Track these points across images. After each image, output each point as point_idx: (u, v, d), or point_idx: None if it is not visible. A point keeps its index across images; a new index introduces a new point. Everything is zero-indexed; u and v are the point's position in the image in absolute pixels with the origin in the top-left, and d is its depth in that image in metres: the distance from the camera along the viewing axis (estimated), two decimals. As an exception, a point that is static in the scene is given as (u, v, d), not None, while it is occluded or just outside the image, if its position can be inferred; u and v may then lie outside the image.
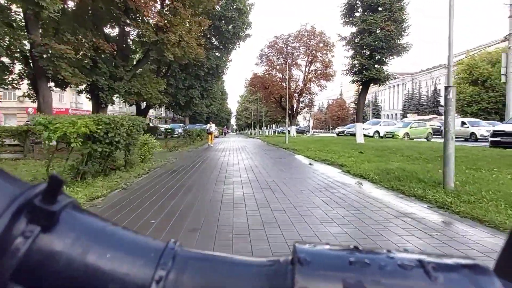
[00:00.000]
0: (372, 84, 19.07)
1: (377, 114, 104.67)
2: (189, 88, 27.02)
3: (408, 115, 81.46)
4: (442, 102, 69.48)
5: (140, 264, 0.22)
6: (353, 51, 18.87)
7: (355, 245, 0.22)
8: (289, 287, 0.19)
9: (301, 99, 35.59)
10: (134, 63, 23.15)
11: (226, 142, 25.99)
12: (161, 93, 23.67)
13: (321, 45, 33.64)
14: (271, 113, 48.62)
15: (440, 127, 29.31)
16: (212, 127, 20.36)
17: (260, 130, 53.16)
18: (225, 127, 50.50)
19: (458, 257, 0.21)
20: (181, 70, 27.50)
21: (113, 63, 20.66)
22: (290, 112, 36.81)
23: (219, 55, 28.15)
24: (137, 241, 0.24)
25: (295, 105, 36.00)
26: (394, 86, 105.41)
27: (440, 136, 28.18)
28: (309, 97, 35.63)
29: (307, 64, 35.03)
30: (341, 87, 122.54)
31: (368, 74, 17.82)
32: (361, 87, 19.21)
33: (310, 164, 10.81)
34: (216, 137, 42.34)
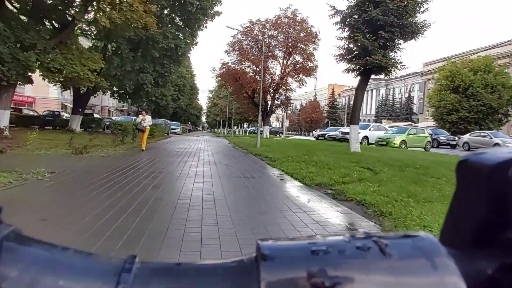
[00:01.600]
0: (374, 75, 14.29)
1: (349, 119, 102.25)
2: (139, 71, 21.23)
3: (382, 121, 79.20)
4: (415, 110, 66.24)
5: (98, 286, 0.21)
6: (350, 30, 13.98)
7: (317, 235, 0.22)
8: (256, 284, 0.19)
9: (276, 96, 30.56)
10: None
11: (180, 142, 20.40)
12: (97, 74, 17.77)
13: (302, 34, 28.78)
14: (242, 110, 43.39)
15: (432, 135, 25.57)
16: (146, 119, 12.59)
17: (229, 129, 47.71)
18: (188, 123, 44.28)
19: (409, 232, 0.22)
20: (131, 49, 21.63)
21: (22, 24, 14.71)
22: (263, 109, 31.73)
23: (180, 35, 22.49)
24: (92, 262, 0.23)
25: (269, 102, 30.97)
26: (368, 90, 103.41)
27: (437, 147, 24.72)
28: (285, 93, 30.69)
29: (286, 56, 30.07)
30: (315, 89, 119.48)
31: (371, 60, 12.97)
32: (359, 77, 14.34)
33: (308, 200, 5.63)
34: (179, 134, 36.52)
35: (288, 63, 29.90)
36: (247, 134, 47.70)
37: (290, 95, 31.14)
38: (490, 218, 0.24)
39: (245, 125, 59.53)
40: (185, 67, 70.37)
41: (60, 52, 16.23)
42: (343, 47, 14.59)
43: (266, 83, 29.78)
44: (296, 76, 29.34)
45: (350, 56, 14.36)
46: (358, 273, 0.19)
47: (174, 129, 36.08)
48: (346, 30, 14.36)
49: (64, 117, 26.32)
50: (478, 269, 0.22)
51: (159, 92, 23.22)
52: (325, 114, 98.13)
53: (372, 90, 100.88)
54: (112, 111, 64.40)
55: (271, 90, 30.20)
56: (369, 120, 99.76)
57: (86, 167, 7.70)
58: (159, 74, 22.56)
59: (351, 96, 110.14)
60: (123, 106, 70.39)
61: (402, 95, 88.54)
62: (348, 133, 22.55)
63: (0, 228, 0.22)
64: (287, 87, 30.21)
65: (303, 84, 30.27)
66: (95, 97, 23.05)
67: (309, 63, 29.34)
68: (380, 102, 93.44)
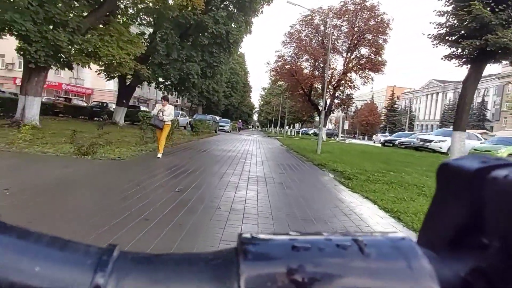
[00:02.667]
0: (493, 61, 10.11)
1: (400, 125, 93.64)
2: (186, 60, 18.72)
3: (451, 127, 70.52)
4: (489, 116, 57.35)
5: (75, 273, 0.20)
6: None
7: (297, 231, 0.22)
8: (235, 277, 0.19)
9: (336, 94, 26.58)
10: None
11: (226, 142, 17.50)
12: (138, 61, 15.48)
13: (372, 23, 24.50)
14: (296, 108, 39.81)
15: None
16: (166, 111, 8.33)
17: (281, 129, 44.39)
18: (239, 121, 41.25)
19: (388, 233, 0.22)
20: (180, 36, 19.19)
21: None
22: (321, 109, 28.00)
23: (232, 23, 19.57)
24: (70, 249, 0.22)
25: (328, 101, 27.09)
26: (432, 94, 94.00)
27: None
28: (348, 91, 26.60)
29: (350, 48, 25.96)
30: (371, 91, 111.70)
31: (494, 39, 8.84)
32: (468, 67, 10.21)
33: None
34: (228, 132, 34.02)
35: (352, 56, 25.77)
36: (300, 135, 43.99)
37: (352, 93, 26.98)
38: (466, 222, 0.24)
39: (297, 126, 55.82)
40: (239, 63, 68.34)
41: (96, 33, 14.09)
42: (445, 25, 10.54)
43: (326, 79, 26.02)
44: (361, 71, 25.13)
45: (455, 36, 10.29)
46: (336, 270, 0.19)
47: (223, 126, 33.62)
48: (451, 0, 10.31)
49: (112, 109, 24.89)
50: (452, 271, 0.23)
51: (206, 84, 20.59)
52: (383, 118, 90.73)
53: (437, 94, 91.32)
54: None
55: (330, 87, 26.31)
56: (432, 126, 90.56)
57: (63, 179, 4.85)
58: (207, 64, 19.92)
59: (412, 99, 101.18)
60: (176, 101, 70.38)
61: (474, 99, 78.63)
62: (428, 141, 18.10)
63: None
64: (350, 84, 26.11)
65: (368, 81, 25.98)
66: (139, 87, 21.04)
67: (377, 56, 24.97)
68: (447, 106, 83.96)
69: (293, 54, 27.56)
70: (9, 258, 0.20)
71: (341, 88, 26.30)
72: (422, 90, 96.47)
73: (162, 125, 8.19)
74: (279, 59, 27.78)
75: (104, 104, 26.05)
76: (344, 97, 26.90)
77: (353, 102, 27.67)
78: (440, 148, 17.29)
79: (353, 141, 41.91)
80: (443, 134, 18.21)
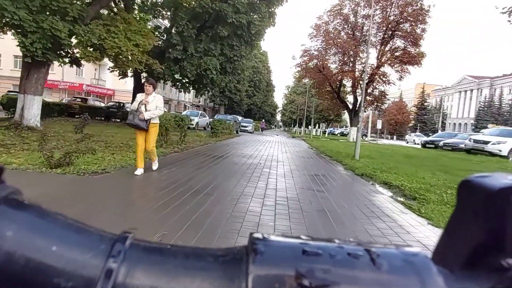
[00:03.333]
0: None
1: (433, 123, 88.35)
2: (204, 54, 16.92)
3: (489, 125, 65.49)
4: None
5: (89, 257, 0.21)
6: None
7: (309, 235, 0.22)
8: (243, 276, 0.19)
9: (369, 90, 24.00)
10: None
11: (248, 145, 15.54)
12: (154, 56, 13.82)
13: (409, 9, 21.81)
14: (322, 107, 37.37)
15: None
16: (151, 102, 5.51)
17: (306, 129, 41.94)
18: (262, 121, 38.77)
19: (401, 246, 0.22)
20: (197, 29, 17.42)
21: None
22: (352, 107, 25.46)
23: (254, 13, 17.59)
24: (86, 232, 0.23)
25: (359, 98, 24.58)
26: (466, 91, 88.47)
27: None
28: (381, 87, 23.98)
29: (385, 39, 23.35)
30: (399, 88, 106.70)
31: None
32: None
33: None
34: (251, 132, 32.10)
35: (387, 48, 23.13)
36: (326, 135, 41.43)
37: (386, 89, 24.32)
38: (485, 241, 0.23)
39: (323, 125, 53.09)
40: (262, 62, 66.34)
41: (101, 23, 12.48)
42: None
43: (356, 73, 23.52)
44: (397, 65, 22.45)
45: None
46: (346, 279, 0.19)
47: (245, 127, 31.72)
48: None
49: (128, 109, 23.57)
50: None
51: (226, 80, 18.67)
52: (412, 116, 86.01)
53: (471, 90, 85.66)
54: (188, 106, 63.32)
55: (361, 82, 23.81)
56: (466, 124, 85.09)
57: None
58: (227, 58, 18.03)
59: (444, 97, 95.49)
60: (199, 101, 69.26)
61: (506, 96, 72.92)
62: (484, 142, 15.35)
63: (0, 187, 0.23)
64: (384, 78, 23.47)
65: (405, 76, 23.25)
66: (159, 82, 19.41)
67: (415, 48, 22.24)
68: (482, 104, 78.39)
69: (320, 48, 25.25)
70: (28, 235, 0.21)
71: (374, 83, 23.70)
72: (454, 87, 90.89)
73: (145, 125, 5.45)
74: (305, 54, 25.52)
75: (121, 104, 24.72)
76: (377, 94, 24.26)
77: (387, 99, 24.95)
78: (500, 151, 14.53)
79: (384, 141, 38.91)
80: (501, 134, 15.40)
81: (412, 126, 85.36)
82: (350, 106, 25.38)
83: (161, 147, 9.09)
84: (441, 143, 19.46)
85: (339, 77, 24.56)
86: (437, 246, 0.27)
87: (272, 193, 5.09)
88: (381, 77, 23.37)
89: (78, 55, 13.14)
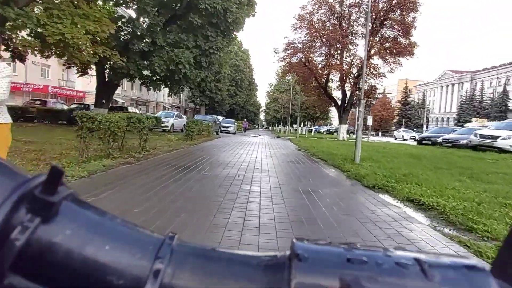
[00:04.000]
0: None
1: (418, 118, 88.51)
2: (174, 46, 14.70)
3: (473, 119, 65.33)
4: None
5: (138, 257, 0.22)
6: None
7: (354, 243, 0.22)
8: (286, 282, 0.19)
9: (358, 84, 22.26)
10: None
11: (227, 148, 13.50)
12: (104, 43, 11.52)
13: (397, -2, 20.21)
14: (307, 104, 35.61)
15: None
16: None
17: (292, 128, 40.05)
18: (245, 121, 36.27)
19: (456, 257, 0.21)
20: (168, 20, 15.18)
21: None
22: (340, 103, 23.68)
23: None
24: (136, 233, 0.24)
25: (348, 93, 22.86)
26: (448, 85, 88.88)
27: None
28: (372, 80, 22.29)
29: (374, 29, 21.65)
30: (382, 85, 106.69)
31: None
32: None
33: None
34: (233, 133, 29.97)
35: (376, 39, 21.43)
36: (313, 134, 39.66)
37: (377, 83, 22.64)
38: None
39: (308, 124, 51.39)
40: (243, 60, 64.26)
41: (43, 6, 10.14)
42: None
43: (344, 66, 21.74)
44: (388, 56, 20.78)
45: None
46: None
47: (227, 127, 29.56)
48: None
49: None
50: None
51: (202, 76, 16.47)
52: (396, 112, 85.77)
53: (453, 85, 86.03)
54: (167, 107, 60.49)
55: (351, 77, 22.07)
56: (448, 119, 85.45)
57: None
58: (202, 51, 15.88)
59: (426, 92, 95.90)
60: (179, 102, 66.50)
61: (494, 89, 73.32)
62: (493, 137, 13.69)
63: (60, 189, 0.24)
64: (375, 71, 21.77)
65: (396, 68, 21.62)
66: (118, 84, 16.95)
67: (406, 38, 20.64)
68: (464, 98, 78.71)
69: (304, 41, 23.37)
70: (85, 234, 0.22)
71: (357, 86, 22.06)
72: (436, 82, 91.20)
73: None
74: (289, 47, 23.59)
75: (87, 106, 22.16)
76: (367, 88, 22.50)
77: (379, 94, 23.32)
78: (511, 146, 12.94)
79: (374, 138, 37.46)
80: (508, 127, 13.80)
81: (396, 122, 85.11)
82: (339, 102, 23.59)
83: (109, 157, 6.88)
84: (439, 139, 17.87)
85: (326, 71, 22.75)
86: (497, 258, 0.25)
87: (253, 239, 3.02)
88: (372, 69, 21.68)
89: (20, 47, 10.75)
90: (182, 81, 15.93)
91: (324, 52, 23.43)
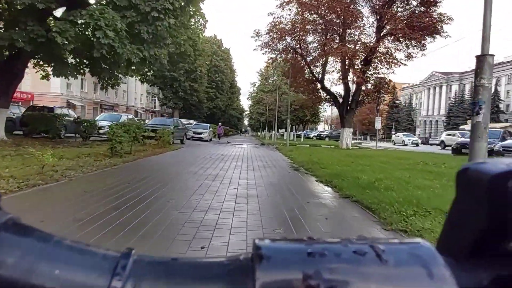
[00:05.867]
0: None
1: (410, 121, 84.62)
2: (82, 4, 8.63)
3: (467, 121, 61.32)
4: (503, 108, 47.56)
5: (93, 277, 0.20)
6: None
7: (312, 237, 0.22)
8: (250, 283, 0.19)
9: (367, 76, 16.55)
10: None
11: (168, 178, 7.35)
12: None
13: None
14: (299, 103, 29.86)
15: None
16: None
17: (278, 133, 34.21)
18: (219, 125, 28.82)
19: (406, 239, 0.21)
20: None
21: None
22: (342, 100, 17.94)
23: None
24: (88, 253, 0.22)
25: (352, 87, 17.20)
26: (435, 87, 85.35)
27: None
28: (385, 68, 16.58)
29: (383, 4, 16.09)
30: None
31: None
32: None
33: None
34: (207, 140, 23.89)
35: (388, 16, 15.79)
36: (302, 139, 33.85)
37: (388, 73, 16.87)
38: (488, 228, 0.23)
39: (296, 128, 45.68)
40: (224, 60, 58.29)
41: None
42: None
43: (349, 51, 16.06)
44: (408, 36, 15.13)
45: None
46: (353, 277, 0.19)
47: (199, 133, 23.51)
48: None
49: (13, 114, 14.63)
50: (474, 280, 0.22)
51: (144, 53, 10.30)
52: (384, 116, 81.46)
53: (440, 87, 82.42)
54: (140, 112, 53.71)
55: (356, 64, 16.41)
56: (437, 122, 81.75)
57: None
58: (141, 15, 9.81)
59: (413, 95, 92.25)
60: (154, 106, 59.75)
61: (484, 90, 69.79)
62: None
63: None
64: (388, 58, 16.12)
65: (418, 52, 16.04)
66: (19, 73, 10.59)
67: (431, 8, 15.15)
68: (453, 100, 75.09)
69: (294, 20, 17.58)
70: (30, 260, 0.20)
71: (375, 64, 16.36)
72: (423, 84, 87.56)
73: None
74: (274, 28, 17.78)
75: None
76: (376, 80, 16.86)
77: (393, 88, 17.55)
78: None
79: (366, 144, 31.96)
80: None
81: (385, 125, 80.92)
82: (340, 100, 17.84)
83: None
84: (496, 147, 12.31)
85: (323, 58, 17.08)
86: (441, 236, 0.27)
87: None
88: (383, 56, 16.09)
89: None
90: (109, 61, 9.83)
91: (319, 36, 17.72)
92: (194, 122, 28.44)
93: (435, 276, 0.19)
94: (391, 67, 15.93)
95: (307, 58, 17.93)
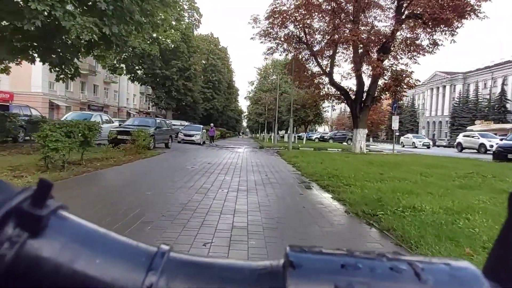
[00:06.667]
0: None
1: (413, 122, 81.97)
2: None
3: (476, 122, 58.72)
4: (510, 108, 44.70)
5: (130, 270, 0.21)
6: None
7: (347, 249, 0.21)
8: None
9: (385, 63, 13.78)
10: None
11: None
12: None
13: None
14: (301, 102, 27.20)
15: None
16: None
17: (278, 134, 31.52)
18: (211, 125, 25.37)
19: (448, 259, 0.20)
20: None
21: None
22: (355, 96, 15.22)
23: None
24: (127, 246, 0.23)
25: (367, 81, 14.54)
26: (438, 87, 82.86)
27: None
28: (407, 58, 13.83)
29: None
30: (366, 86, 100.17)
31: None
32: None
33: None
34: (199, 144, 21.23)
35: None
36: (304, 142, 31.16)
37: (414, 62, 14.09)
38: None
39: (296, 129, 42.95)
40: (221, 59, 55.62)
41: None
42: None
43: (363, 35, 13.39)
44: (436, 18, 12.39)
45: None
46: None
47: (190, 135, 20.82)
48: None
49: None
50: None
51: (102, 31, 7.70)
52: (387, 116, 78.83)
53: (444, 87, 79.86)
54: (133, 114, 50.92)
55: (373, 53, 13.73)
56: (441, 122, 79.20)
57: None
58: None
59: (415, 95, 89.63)
60: (148, 107, 56.98)
61: (490, 90, 67.31)
62: None
63: (50, 202, 0.23)
64: (411, 47, 13.40)
65: (445, 39, 13.35)
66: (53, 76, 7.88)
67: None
68: (458, 100, 72.49)
69: (298, 3, 14.89)
70: (74, 248, 0.21)
71: (395, 53, 13.63)
72: (426, 84, 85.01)
73: None
74: (275, 13, 15.11)
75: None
76: (395, 72, 14.11)
77: (417, 81, 14.64)
78: None
79: (377, 146, 29.26)
80: None
81: (387, 126, 78.33)
82: (352, 96, 15.15)
83: None
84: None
85: (333, 47, 14.41)
86: (489, 260, 0.25)
87: None
88: (406, 42, 13.37)
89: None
90: (58, 41, 7.13)
91: (327, 21, 15.02)
92: (186, 123, 25.76)
93: None
94: (414, 56, 13.23)
95: (314, 48, 15.26)
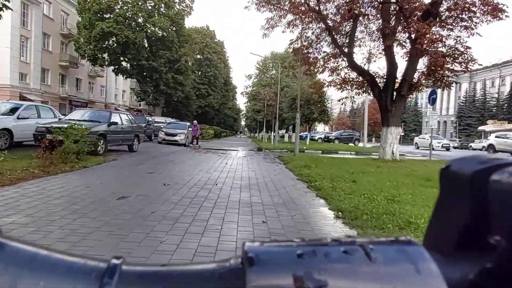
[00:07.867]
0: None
1: (416, 122, 78.16)
2: None
3: (488, 121, 54.99)
4: None
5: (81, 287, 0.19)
6: None
7: (302, 238, 0.21)
8: (241, 287, 0.19)
9: (425, 47, 9.74)
10: None
11: None
12: None
13: None
14: (307, 97, 23.24)
15: None
16: None
17: (278, 134, 27.49)
18: (194, 123, 21.18)
19: (393, 236, 0.22)
20: None
21: None
22: (385, 82, 11.21)
23: None
24: (75, 263, 0.21)
25: (403, 61, 10.58)
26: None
27: None
28: (453, 38, 9.82)
29: None
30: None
31: None
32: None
33: None
34: (184, 145, 17.29)
35: None
36: (307, 143, 27.10)
37: (468, 36, 10.07)
38: (472, 223, 0.23)
39: (291, 128, 38.93)
40: (217, 53, 51.55)
41: None
42: None
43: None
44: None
45: None
46: (344, 277, 0.19)
47: (173, 135, 16.87)
48: None
49: None
50: (460, 274, 0.22)
51: None
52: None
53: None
54: (123, 111, 46.86)
55: (405, 31, 9.75)
56: (445, 122, 75.34)
57: None
58: None
59: (418, 94, 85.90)
60: (139, 104, 52.88)
61: (498, 88, 63.54)
62: None
63: None
64: (464, 21, 9.42)
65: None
66: None
67: None
68: (464, 99, 68.70)
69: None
70: (14, 272, 0.20)
71: (443, 24, 9.65)
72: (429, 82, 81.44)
73: None
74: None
75: None
76: (439, 55, 10.10)
77: (472, 66, 10.62)
78: None
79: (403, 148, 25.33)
80: None
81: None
82: (383, 85, 11.13)
83: None
84: None
85: (353, 17, 10.42)
86: (427, 233, 0.27)
87: None
88: (457, 12, 9.37)
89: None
90: None
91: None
92: (171, 120, 21.77)
93: (422, 271, 0.19)
94: (474, 25, 9.27)
95: (328, 21, 11.30)
